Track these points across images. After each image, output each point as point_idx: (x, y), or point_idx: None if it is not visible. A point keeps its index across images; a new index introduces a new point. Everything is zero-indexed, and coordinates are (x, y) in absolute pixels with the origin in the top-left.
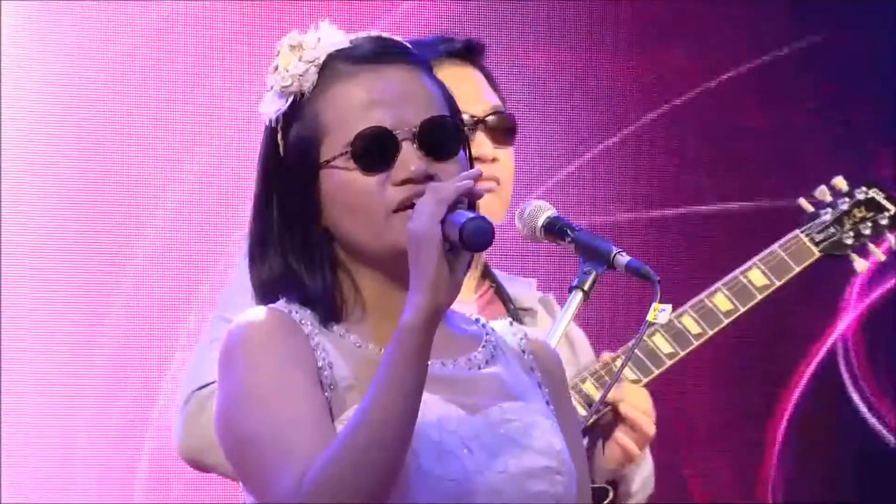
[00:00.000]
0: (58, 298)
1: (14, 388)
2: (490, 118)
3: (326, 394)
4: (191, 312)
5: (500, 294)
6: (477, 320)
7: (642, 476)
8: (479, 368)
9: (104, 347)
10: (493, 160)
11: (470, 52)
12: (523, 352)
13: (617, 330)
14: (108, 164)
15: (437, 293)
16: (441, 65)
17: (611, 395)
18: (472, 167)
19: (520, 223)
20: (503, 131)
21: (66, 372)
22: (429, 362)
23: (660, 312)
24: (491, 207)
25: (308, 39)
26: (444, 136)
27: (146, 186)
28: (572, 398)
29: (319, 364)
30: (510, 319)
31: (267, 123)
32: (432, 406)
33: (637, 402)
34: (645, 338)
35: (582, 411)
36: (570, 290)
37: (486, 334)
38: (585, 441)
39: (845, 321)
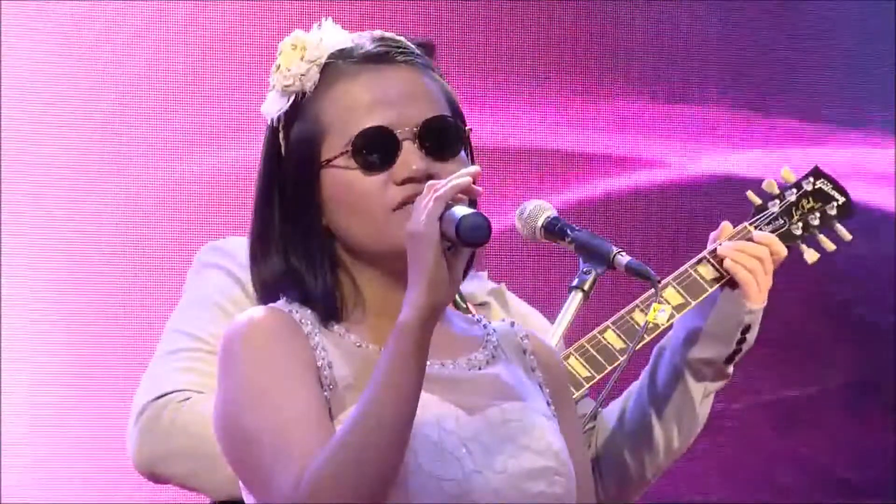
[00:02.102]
0: (58, 298)
1: (14, 388)
2: None
3: (326, 393)
4: None
5: None
6: (479, 320)
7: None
8: (480, 369)
9: (105, 346)
10: None
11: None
12: (525, 352)
13: None
14: (109, 164)
15: (435, 291)
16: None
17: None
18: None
19: (520, 223)
20: None
21: (67, 371)
22: (429, 363)
23: (659, 313)
24: None
25: (310, 39)
26: (446, 136)
27: (147, 186)
28: None
29: (319, 363)
30: (512, 320)
31: (269, 123)
32: (431, 406)
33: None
34: (596, 333)
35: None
36: (570, 290)
37: (488, 335)
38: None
39: None
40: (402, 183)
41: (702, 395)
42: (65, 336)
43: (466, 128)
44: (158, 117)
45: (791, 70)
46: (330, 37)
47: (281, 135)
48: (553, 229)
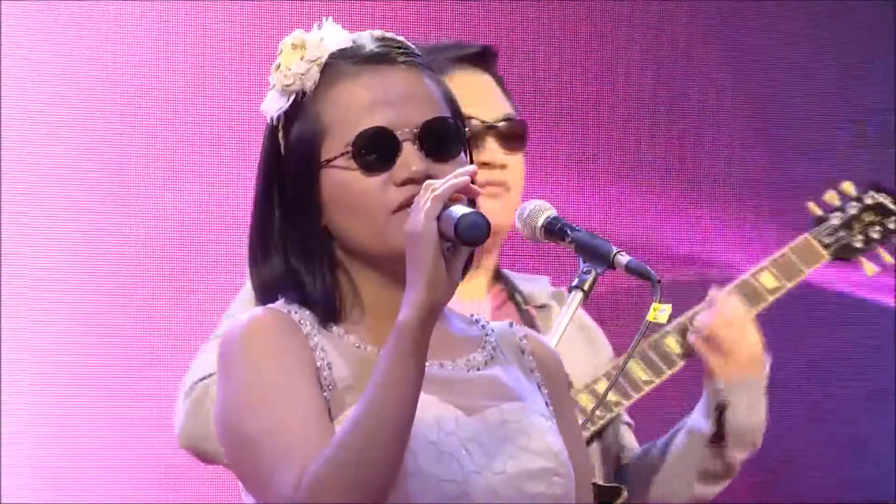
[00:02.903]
0: (59, 297)
1: (14, 388)
2: (501, 124)
3: (325, 394)
4: (191, 311)
5: (513, 296)
6: (477, 321)
7: (749, 401)
8: (479, 369)
9: (105, 346)
10: (503, 167)
11: (483, 59)
12: (523, 352)
13: (618, 329)
14: (109, 163)
15: (433, 290)
16: (454, 70)
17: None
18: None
19: (520, 223)
20: (513, 138)
21: (67, 371)
22: (428, 363)
23: (660, 312)
24: (500, 213)
25: (311, 38)
26: (445, 138)
27: (147, 186)
28: (585, 399)
29: (318, 364)
30: (510, 321)
31: (268, 122)
32: (430, 407)
33: (715, 317)
34: (659, 340)
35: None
36: (570, 290)
37: (486, 335)
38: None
39: None
40: (402, 184)
41: (698, 465)
42: (65, 336)
43: (466, 129)
44: (158, 117)
45: (791, 70)
46: (330, 36)
47: (280, 134)
48: (553, 229)
